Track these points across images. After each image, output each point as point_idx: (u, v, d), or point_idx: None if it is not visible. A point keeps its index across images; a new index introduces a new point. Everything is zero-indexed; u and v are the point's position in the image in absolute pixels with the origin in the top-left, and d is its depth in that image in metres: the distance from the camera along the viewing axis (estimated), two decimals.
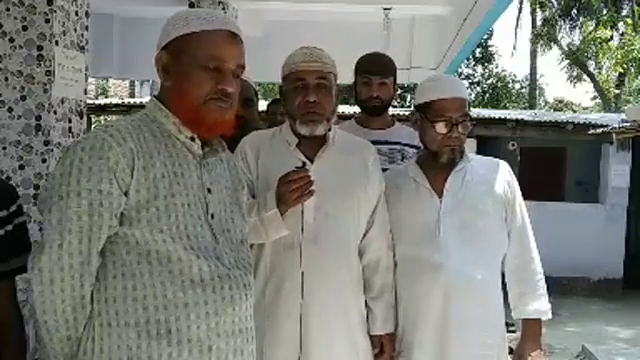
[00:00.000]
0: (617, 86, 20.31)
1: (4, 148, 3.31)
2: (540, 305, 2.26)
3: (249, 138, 2.28)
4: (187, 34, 1.52)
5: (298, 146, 2.17)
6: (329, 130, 2.18)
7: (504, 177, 2.28)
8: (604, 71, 20.61)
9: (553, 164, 10.96)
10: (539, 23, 21.87)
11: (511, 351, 2.35)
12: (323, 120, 2.13)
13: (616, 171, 10.11)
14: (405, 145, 2.78)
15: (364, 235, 2.20)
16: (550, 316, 2.28)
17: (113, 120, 1.61)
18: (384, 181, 2.25)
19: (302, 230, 2.10)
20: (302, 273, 2.09)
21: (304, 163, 2.08)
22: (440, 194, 2.22)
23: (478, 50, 23.56)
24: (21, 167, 3.32)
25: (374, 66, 2.76)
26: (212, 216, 1.53)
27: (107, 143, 1.41)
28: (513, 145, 10.46)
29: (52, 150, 3.32)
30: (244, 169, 2.18)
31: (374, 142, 2.42)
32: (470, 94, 23.72)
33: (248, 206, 2.08)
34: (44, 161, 3.31)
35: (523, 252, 2.28)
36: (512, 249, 2.28)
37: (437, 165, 2.23)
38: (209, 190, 1.55)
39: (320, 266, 2.09)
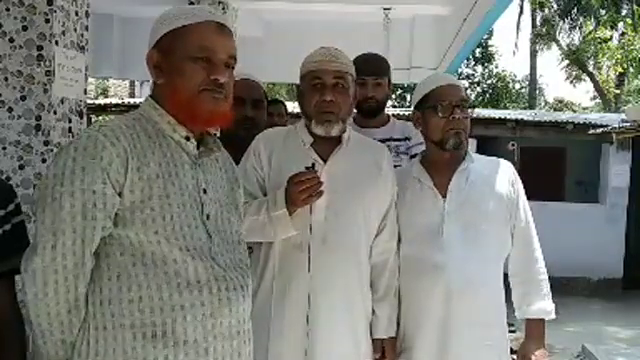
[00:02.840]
0: (617, 86, 20.30)
1: (4, 148, 3.31)
2: (544, 305, 2.26)
3: (263, 135, 2.28)
4: (175, 29, 1.51)
5: (313, 145, 2.16)
6: (344, 131, 2.18)
7: (508, 177, 2.28)
8: (604, 71, 20.60)
9: (553, 164, 10.95)
10: (539, 23, 21.88)
11: (511, 351, 2.35)
12: (338, 120, 2.13)
13: (616, 171, 10.11)
14: (397, 140, 2.80)
15: (375, 236, 2.20)
16: (554, 316, 2.28)
17: (107, 119, 1.59)
18: (396, 184, 2.24)
19: (310, 230, 2.09)
20: (309, 272, 2.09)
21: (314, 164, 2.07)
22: (444, 194, 2.22)
23: (478, 50, 23.54)
24: (21, 167, 3.31)
25: (368, 67, 2.76)
26: (207, 217, 1.52)
27: (100, 143, 1.39)
28: (513, 145, 10.46)
29: (52, 150, 3.32)
30: (256, 166, 2.19)
31: None
32: (470, 94, 23.71)
33: (257, 204, 2.09)
34: (44, 161, 3.31)
35: (527, 252, 2.28)
36: (516, 249, 2.27)
37: (441, 165, 2.23)
38: (204, 190, 1.53)
39: (328, 266, 2.09)
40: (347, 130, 2.20)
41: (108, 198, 1.39)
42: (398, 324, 2.23)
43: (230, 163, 1.73)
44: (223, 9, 4.97)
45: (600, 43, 17.36)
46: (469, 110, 2.23)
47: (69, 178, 1.38)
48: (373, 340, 2.20)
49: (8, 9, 3.27)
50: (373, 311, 2.19)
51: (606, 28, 17.75)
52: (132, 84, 19.38)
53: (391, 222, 2.21)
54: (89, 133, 1.43)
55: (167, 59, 1.51)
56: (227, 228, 1.58)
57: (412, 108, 2.35)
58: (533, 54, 23.44)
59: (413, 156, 2.66)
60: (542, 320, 2.28)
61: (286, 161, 2.14)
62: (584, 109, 25.11)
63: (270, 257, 2.15)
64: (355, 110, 2.86)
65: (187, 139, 1.52)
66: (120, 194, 1.40)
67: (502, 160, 2.37)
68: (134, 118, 1.52)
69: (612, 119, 10.84)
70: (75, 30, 3.51)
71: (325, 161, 2.15)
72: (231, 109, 1.57)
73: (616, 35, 18.53)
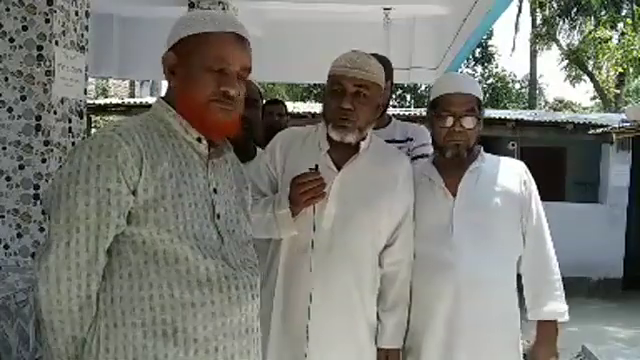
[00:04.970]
0: (617, 86, 20.31)
1: (4, 148, 3.31)
2: (556, 306, 2.22)
3: (282, 134, 2.27)
4: (194, 35, 1.52)
5: (329, 152, 2.13)
6: (363, 139, 2.13)
7: (520, 177, 2.27)
8: (604, 71, 20.61)
9: (553, 164, 10.95)
10: (539, 23, 21.89)
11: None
12: (355, 129, 2.08)
13: (616, 171, 10.10)
14: (398, 142, 2.79)
15: (386, 247, 2.16)
16: (567, 318, 2.23)
17: (120, 120, 1.61)
18: (413, 196, 2.20)
19: (313, 235, 2.07)
20: (311, 279, 2.07)
21: (317, 166, 2.04)
22: (454, 194, 2.20)
23: (478, 50, 23.55)
24: (21, 167, 3.32)
25: None
26: (218, 216, 1.53)
27: (116, 142, 1.41)
28: (513, 145, 10.46)
29: (52, 150, 3.32)
30: (270, 165, 2.19)
31: None
32: None
33: (265, 201, 2.09)
34: (44, 161, 3.31)
35: (539, 252, 2.25)
36: (528, 249, 2.25)
37: (452, 165, 2.22)
38: (215, 190, 1.55)
39: (329, 273, 2.07)
40: (367, 139, 2.16)
41: (122, 196, 1.40)
42: (407, 323, 2.21)
43: (238, 164, 1.74)
44: (223, 9, 4.97)
45: (600, 43, 17.36)
46: (474, 119, 2.18)
47: (84, 176, 1.39)
48: (378, 350, 2.16)
49: (8, 9, 3.27)
50: (380, 321, 2.16)
51: (606, 28, 17.76)
52: (132, 84, 19.38)
53: (405, 234, 2.17)
54: (104, 132, 1.45)
55: (182, 64, 1.53)
56: (236, 228, 1.59)
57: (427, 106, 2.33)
58: (533, 54, 23.44)
59: (415, 158, 2.65)
60: (554, 322, 2.24)
61: (300, 164, 2.10)
62: (584, 109, 25.11)
63: (275, 260, 2.14)
64: None
65: (199, 140, 1.54)
66: (134, 192, 1.42)
67: (514, 160, 2.36)
68: (147, 118, 1.54)
69: (612, 119, 10.84)
70: (75, 30, 3.51)
71: (339, 169, 2.12)
72: (240, 117, 1.60)
73: (616, 35, 18.54)
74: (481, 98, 2.27)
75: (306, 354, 2.08)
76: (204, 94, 1.50)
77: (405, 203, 2.17)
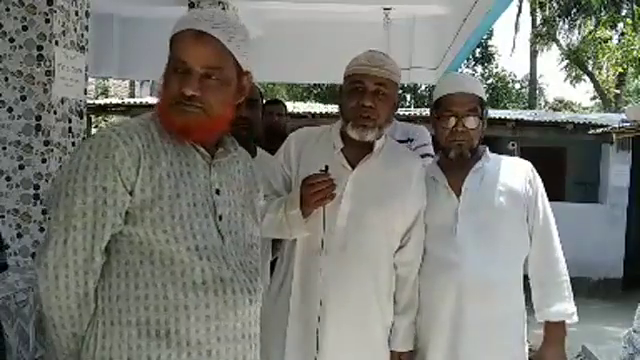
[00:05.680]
0: (617, 86, 20.32)
1: (4, 148, 3.32)
2: (564, 307, 2.20)
3: (297, 134, 2.27)
4: (171, 37, 1.52)
5: (343, 151, 2.14)
6: (379, 138, 2.14)
7: (525, 176, 2.25)
8: (604, 71, 20.62)
9: (553, 164, 10.93)
10: (539, 23, 21.91)
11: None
12: (375, 127, 2.09)
13: (616, 171, 10.12)
14: (399, 142, 2.79)
15: (399, 248, 2.16)
16: (576, 319, 2.21)
17: (125, 119, 1.60)
18: (426, 197, 2.20)
19: (324, 236, 2.07)
20: (322, 278, 2.07)
21: (327, 166, 2.03)
22: (458, 193, 2.20)
23: (478, 50, 23.56)
24: (21, 167, 3.32)
25: None
26: (220, 217, 1.52)
27: (114, 141, 1.42)
28: (513, 145, 10.46)
29: (52, 150, 3.32)
30: (284, 164, 2.19)
31: None
32: None
33: (278, 201, 2.09)
34: (44, 161, 3.31)
35: (546, 253, 2.23)
36: (534, 250, 2.23)
37: (455, 165, 2.21)
38: (217, 191, 1.54)
39: (343, 272, 2.07)
40: (382, 139, 2.16)
41: (118, 196, 1.41)
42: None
43: (251, 166, 1.72)
44: (223, 9, 4.97)
45: (600, 43, 17.38)
46: (476, 119, 2.18)
47: (82, 175, 1.41)
48: (391, 352, 2.16)
49: (8, 9, 3.28)
50: (392, 323, 2.16)
51: (606, 28, 17.78)
52: (132, 84, 19.39)
53: (416, 236, 2.17)
54: (104, 132, 1.46)
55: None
56: (240, 230, 1.58)
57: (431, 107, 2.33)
58: (533, 54, 23.46)
59: None
60: (562, 323, 2.22)
61: (314, 163, 2.09)
62: (584, 109, 25.11)
63: (292, 259, 2.15)
64: None
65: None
66: (131, 192, 1.42)
67: (520, 159, 2.35)
68: (150, 118, 1.54)
69: (612, 119, 10.84)
70: (75, 30, 3.51)
71: (353, 167, 2.13)
72: (219, 120, 1.52)
73: (616, 35, 18.55)
74: (484, 98, 2.26)
75: (315, 357, 2.07)
76: (168, 96, 1.48)
77: (418, 203, 2.17)
